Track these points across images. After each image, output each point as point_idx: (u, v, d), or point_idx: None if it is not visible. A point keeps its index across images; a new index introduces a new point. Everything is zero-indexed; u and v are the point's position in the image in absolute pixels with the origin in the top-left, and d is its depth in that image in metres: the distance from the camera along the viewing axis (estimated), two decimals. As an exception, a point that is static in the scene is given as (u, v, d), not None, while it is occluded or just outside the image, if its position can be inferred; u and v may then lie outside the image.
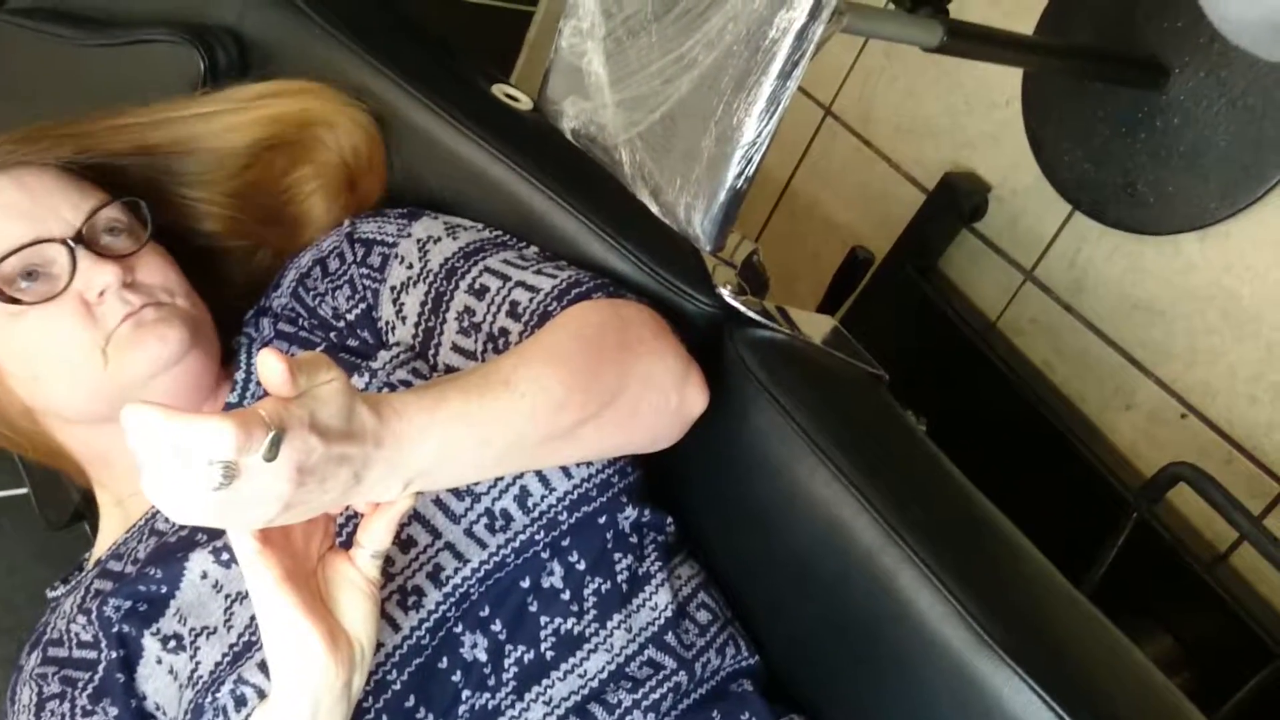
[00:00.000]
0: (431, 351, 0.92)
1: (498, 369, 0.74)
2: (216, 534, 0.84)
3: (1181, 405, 1.50)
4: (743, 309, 1.02)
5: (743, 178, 0.87)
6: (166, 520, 0.89)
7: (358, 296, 0.94)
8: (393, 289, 0.93)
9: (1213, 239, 1.46)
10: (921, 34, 1.09)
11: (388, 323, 0.93)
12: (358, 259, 0.95)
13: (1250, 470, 1.43)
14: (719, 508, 1.00)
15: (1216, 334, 1.47)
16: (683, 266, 1.03)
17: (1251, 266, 1.44)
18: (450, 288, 0.92)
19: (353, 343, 0.93)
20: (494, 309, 0.90)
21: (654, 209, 0.92)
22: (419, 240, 0.95)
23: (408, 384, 0.89)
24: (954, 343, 1.66)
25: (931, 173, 1.73)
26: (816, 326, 1.08)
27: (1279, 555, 1.18)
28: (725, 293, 1.03)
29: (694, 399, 0.88)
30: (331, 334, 0.94)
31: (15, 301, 0.83)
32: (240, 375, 0.94)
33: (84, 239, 0.85)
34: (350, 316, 0.94)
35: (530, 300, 0.89)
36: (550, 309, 0.88)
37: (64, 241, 0.85)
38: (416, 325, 0.92)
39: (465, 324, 0.90)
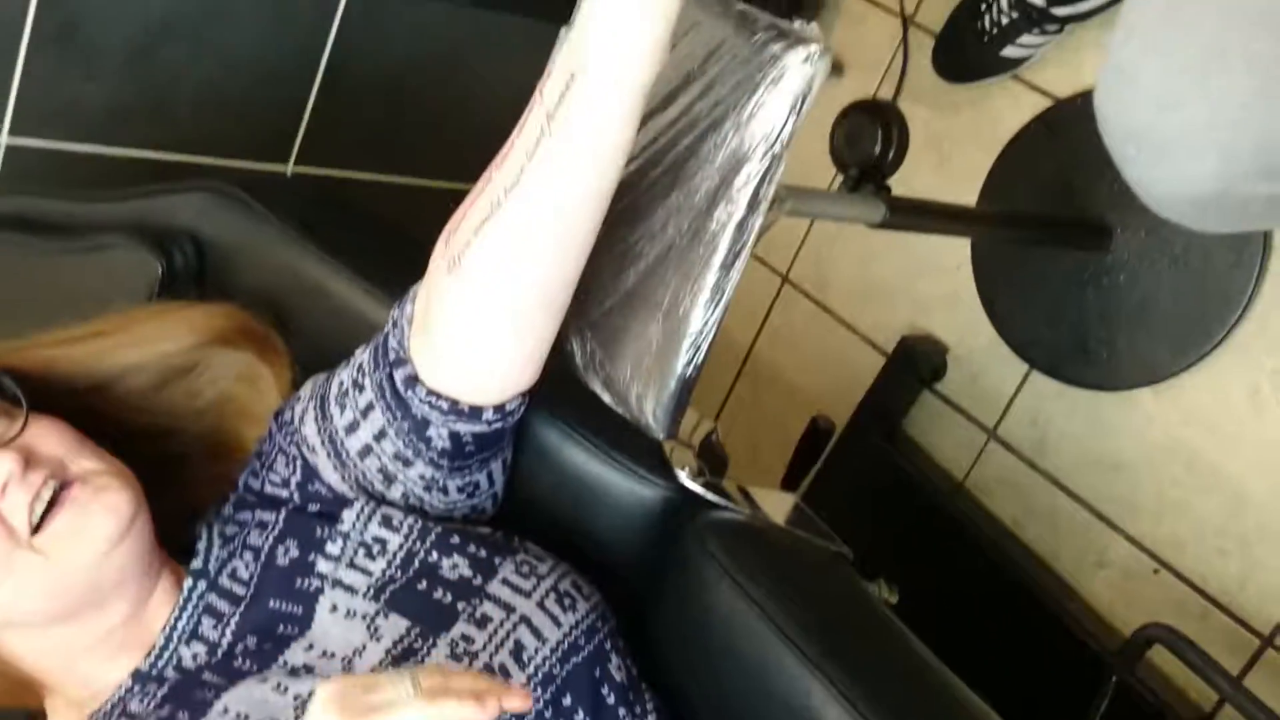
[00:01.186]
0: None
1: None
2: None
3: (1154, 560, 1.49)
4: (701, 491, 1.02)
5: (691, 366, 0.88)
6: (141, 700, 0.85)
7: (289, 455, 0.93)
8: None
9: (1168, 393, 1.48)
10: (864, 212, 1.12)
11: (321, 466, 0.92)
12: (277, 426, 0.94)
13: (1227, 625, 1.42)
14: (695, 691, 0.98)
15: (1180, 487, 1.47)
16: (639, 451, 1.03)
17: (1207, 419, 1.45)
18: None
19: (313, 507, 0.92)
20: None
21: (606, 398, 0.93)
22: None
23: (381, 541, 0.88)
24: (923, 506, 1.65)
25: (889, 336, 1.75)
26: (777, 504, 1.08)
27: (1260, 716, 1.16)
28: (683, 475, 1.03)
29: None
30: (288, 506, 0.92)
31: None
32: (202, 543, 0.90)
33: None
34: (295, 480, 0.92)
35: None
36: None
37: None
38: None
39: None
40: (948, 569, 1.63)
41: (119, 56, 1.56)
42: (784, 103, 0.82)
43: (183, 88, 1.63)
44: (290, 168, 1.80)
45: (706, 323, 0.87)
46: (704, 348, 0.88)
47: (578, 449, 1.02)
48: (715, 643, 0.95)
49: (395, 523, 0.89)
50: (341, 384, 0.92)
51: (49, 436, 0.83)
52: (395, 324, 0.90)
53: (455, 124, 1.91)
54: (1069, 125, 1.57)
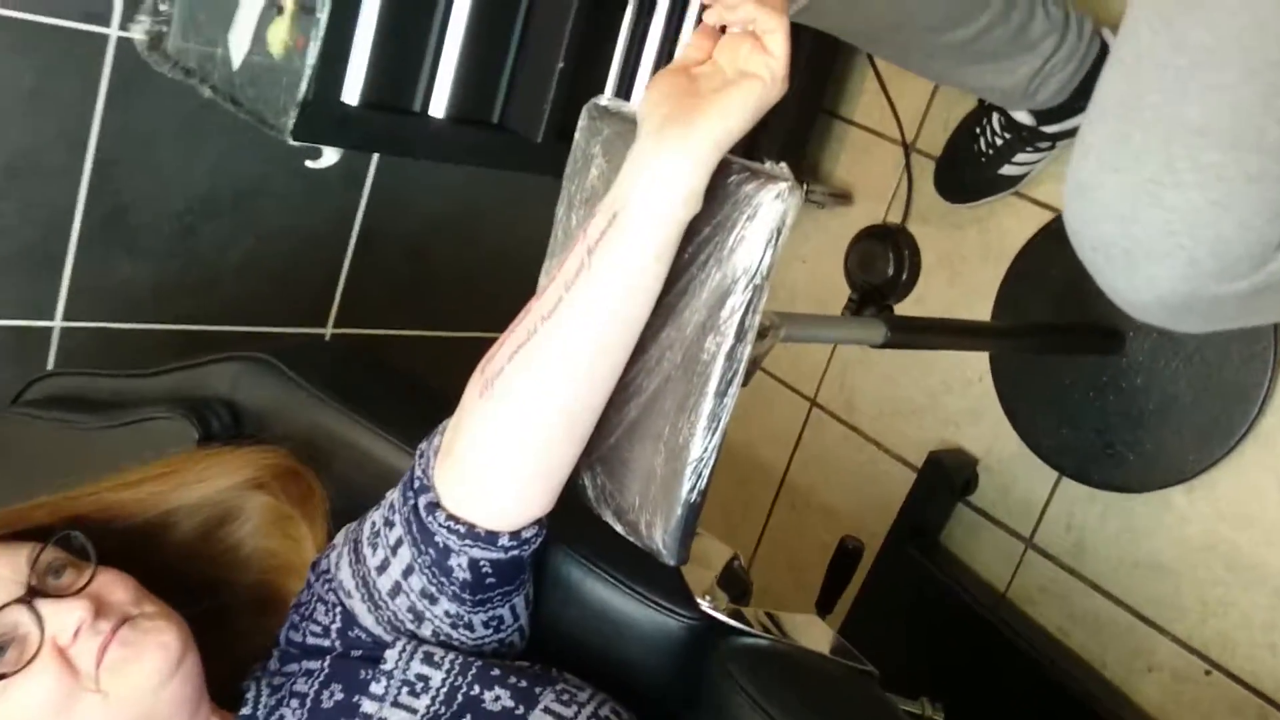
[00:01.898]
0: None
1: None
2: None
3: (1204, 662, 1.47)
4: (724, 619, 1.04)
5: (695, 491, 0.91)
6: None
7: (328, 603, 0.95)
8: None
9: (1200, 490, 1.48)
10: (865, 334, 1.16)
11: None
12: (315, 576, 0.97)
13: (1285, 723, 1.39)
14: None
15: (1222, 585, 1.46)
16: (660, 583, 1.06)
17: (1244, 513, 1.44)
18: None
19: (355, 652, 0.94)
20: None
21: (618, 529, 0.96)
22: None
23: (424, 678, 0.90)
24: (965, 619, 1.65)
25: (919, 452, 1.77)
26: (802, 628, 1.09)
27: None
28: (705, 604, 1.05)
29: None
30: (332, 653, 0.95)
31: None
32: (251, 692, 0.94)
33: (37, 590, 0.85)
34: (336, 627, 0.95)
35: None
36: None
37: (20, 600, 0.84)
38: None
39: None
40: (994, 682, 1.61)
41: (164, 235, 1.67)
42: (761, 237, 0.87)
43: (225, 262, 1.73)
44: (329, 330, 1.89)
45: (706, 449, 0.90)
46: (705, 474, 0.91)
47: (599, 583, 1.05)
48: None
49: (437, 659, 0.92)
50: (373, 524, 0.96)
51: (115, 585, 0.89)
52: (422, 455, 0.94)
53: (478, 278, 2.00)
54: (1073, 234, 1.60)
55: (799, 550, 1.90)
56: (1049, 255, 1.63)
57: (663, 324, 0.93)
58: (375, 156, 1.78)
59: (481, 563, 0.92)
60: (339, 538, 1.00)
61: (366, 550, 0.95)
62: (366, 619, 0.95)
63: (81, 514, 0.95)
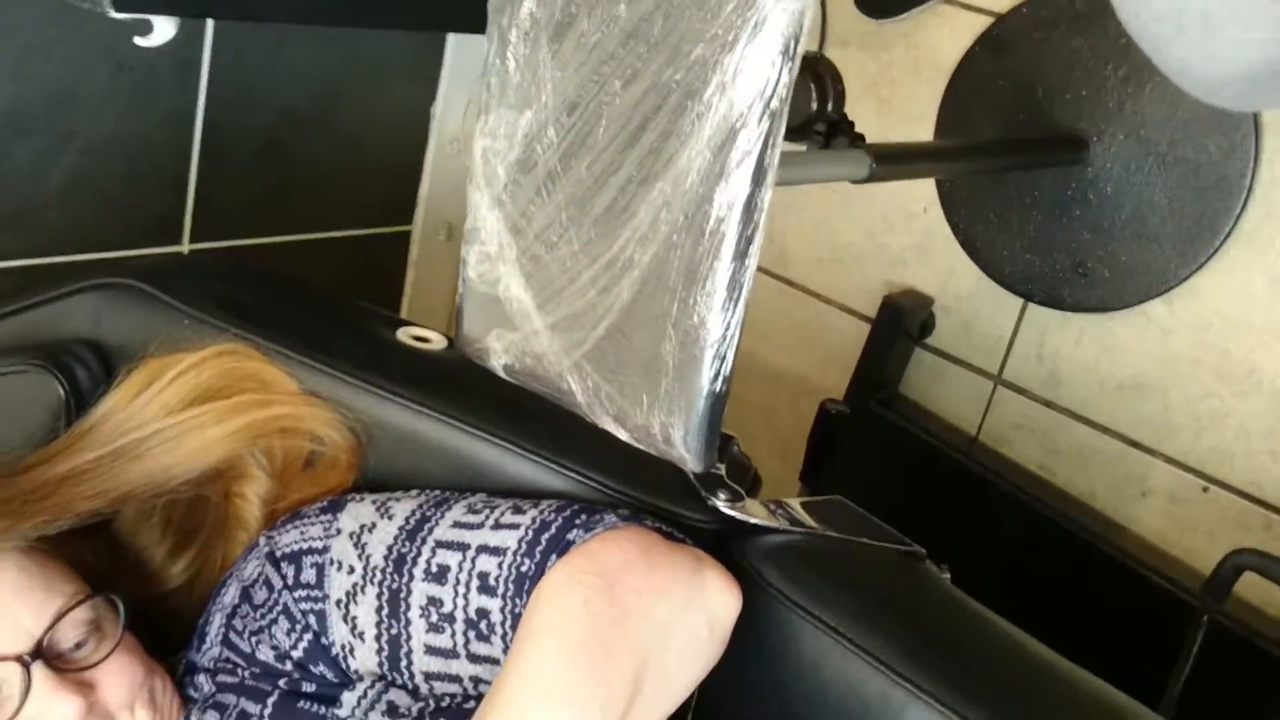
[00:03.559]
0: (404, 665, 0.76)
1: None
2: None
3: (1201, 479, 1.39)
4: (743, 517, 0.88)
5: (719, 379, 0.74)
6: None
7: (300, 626, 0.78)
8: (339, 603, 0.78)
9: (1182, 300, 1.38)
10: (850, 168, 1.00)
11: (344, 646, 0.77)
12: (287, 581, 0.79)
13: (1297, 531, 1.32)
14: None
15: (1215, 396, 1.37)
16: (664, 485, 0.89)
17: (1231, 318, 1.35)
18: (404, 581, 0.76)
19: (309, 687, 0.77)
20: (462, 589, 0.75)
21: (623, 436, 0.79)
22: (351, 534, 0.80)
23: None
24: (939, 469, 1.54)
25: (868, 299, 1.63)
26: (824, 513, 0.94)
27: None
28: (719, 503, 0.89)
29: (722, 607, 0.75)
30: (281, 681, 0.77)
31: None
32: None
33: (44, 653, 0.73)
34: (297, 654, 0.78)
35: (500, 567, 0.75)
36: (524, 569, 0.74)
37: (19, 659, 0.72)
38: (378, 639, 0.76)
39: (434, 618, 0.75)
40: (982, 531, 1.51)
41: (-33, 160, 1.39)
42: (771, 49, 0.69)
43: (47, 184, 1.45)
44: (186, 247, 1.64)
45: (728, 326, 0.73)
46: (729, 355, 0.74)
47: (595, 496, 0.88)
48: (796, 688, 0.82)
49: (402, 709, 0.77)
50: (431, 608, 0.77)
51: (121, 668, 0.77)
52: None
53: (343, 169, 1.76)
54: (1017, 40, 1.45)
55: (743, 421, 1.75)
56: (990, 67, 1.48)
57: (651, 177, 0.74)
58: (209, 39, 1.51)
59: None
60: (340, 548, 0.80)
61: (418, 624, 0.77)
62: (367, 661, 0.77)
63: (125, 493, 0.83)
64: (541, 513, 0.78)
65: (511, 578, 0.74)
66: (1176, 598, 1.29)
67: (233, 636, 0.81)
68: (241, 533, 0.88)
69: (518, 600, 0.73)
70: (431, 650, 0.76)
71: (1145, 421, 1.42)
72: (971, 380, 1.57)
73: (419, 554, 0.77)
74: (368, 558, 0.78)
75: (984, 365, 1.56)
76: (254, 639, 0.80)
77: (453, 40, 1.77)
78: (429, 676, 0.77)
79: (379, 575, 0.77)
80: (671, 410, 0.75)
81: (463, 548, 0.77)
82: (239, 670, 0.80)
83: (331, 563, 0.79)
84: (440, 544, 0.77)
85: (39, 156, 1.43)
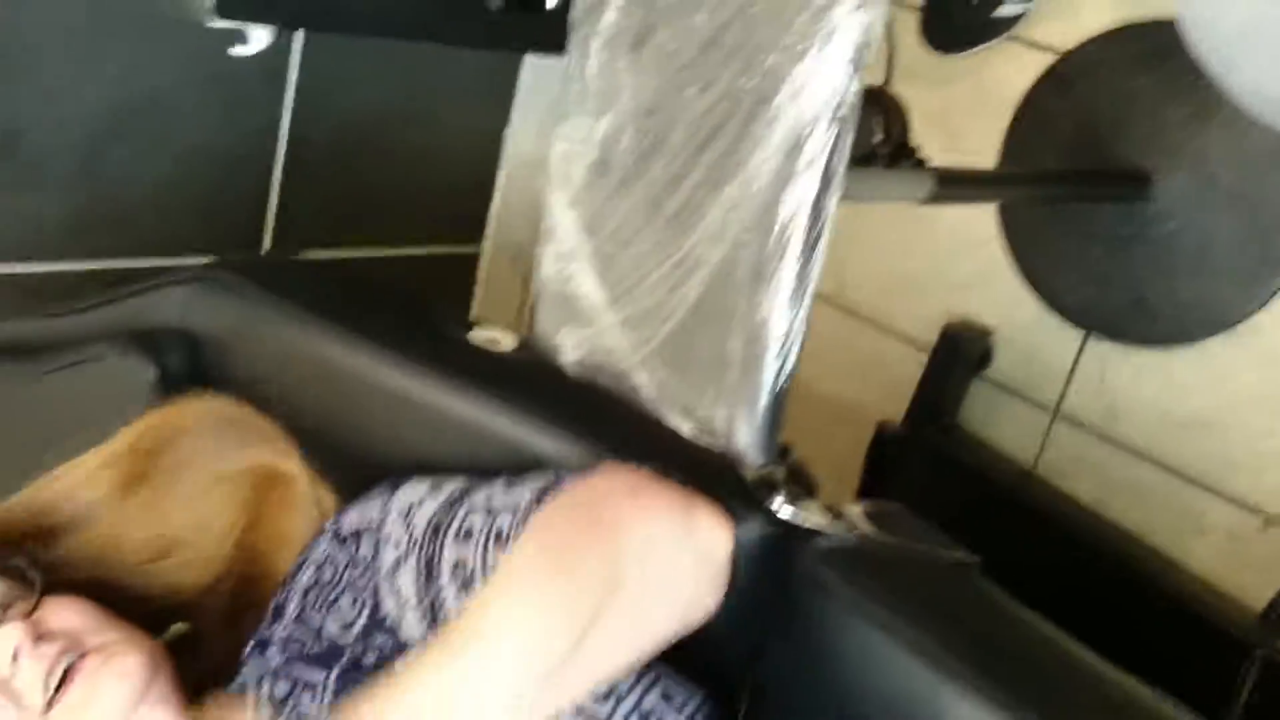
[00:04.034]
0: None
1: (460, 625, 0.68)
2: None
3: (1260, 517, 1.38)
4: (801, 520, 0.90)
5: (783, 375, 0.77)
6: None
7: (359, 602, 0.82)
8: (387, 575, 0.81)
9: (1243, 337, 1.38)
10: (913, 188, 1.02)
11: (396, 617, 0.81)
12: (351, 558, 0.83)
13: (1356, 571, 1.31)
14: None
15: (1276, 435, 1.37)
16: (724, 487, 0.91)
17: (1292, 357, 1.35)
18: (437, 547, 0.80)
19: (369, 658, 0.80)
20: (480, 547, 0.78)
21: (686, 430, 0.82)
22: (401, 511, 0.84)
23: None
24: (994, 501, 1.54)
25: (927, 328, 1.64)
26: (882, 519, 0.96)
27: None
28: (777, 506, 0.91)
29: (710, 537, 0.77)
30: (345, 652, 0.81)
31: None
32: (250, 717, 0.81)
33: None
34: (357, 627, 0.82)
35: (511, 520, 0.78)
36: (531, 517, 0.77)
37: None
38: (419, 606, 0.80)
39: (461, 579, 0.78)
40: (1034, 564, 1.50)
41: (67, 165, 1.45)
42: (841, 58, 0.72)
43: (140, 188, 1.52)
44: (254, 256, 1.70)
45: (792, 324, 0.76)
46: (793, 354, 0.77)
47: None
48: (851, 689, 0.83)
49: None
50: (461, 566, 0.80)
51: (65, 611, 0.79)
52: None
53: (426, 182, 1.81)
54: (1081, 76, 1.48)
55: (811, 450, 1.77)
56: (1054, 103, 1.50)
57: (722, 179, 0.77)
58: (297, 52, 1.57)
59: None
60: (393, 526, 0.83)
61: (450, 587, 0.79)
62: (413, 630, 0.80)
63: (20, 530, 0.86)
64: (559, 471, 0.81)
65: (520, 527, 0.77)
66: (1231, 635, 1.28)
67: (306, 613, 0.85)
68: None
69: None
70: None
71: (1204, 458, 1.42)
72: (1029, 413, 1.58)
73: (452, 521, 0.80)
74: (412, 530, 0.82)
75: (1042, 398, 1.56)
76: (323, 614, 0.84)
77: (528, 63, 1.83)
78: None
79: (418, 545, 0.81)
80: (736, 404, 0.78)
81: (489, 511, 0.80)
82: (308, 643, 0.84)
83: (385, 539, 0.83)
84: (471, 510, 0.80)
85: (133, 161, 1.50)
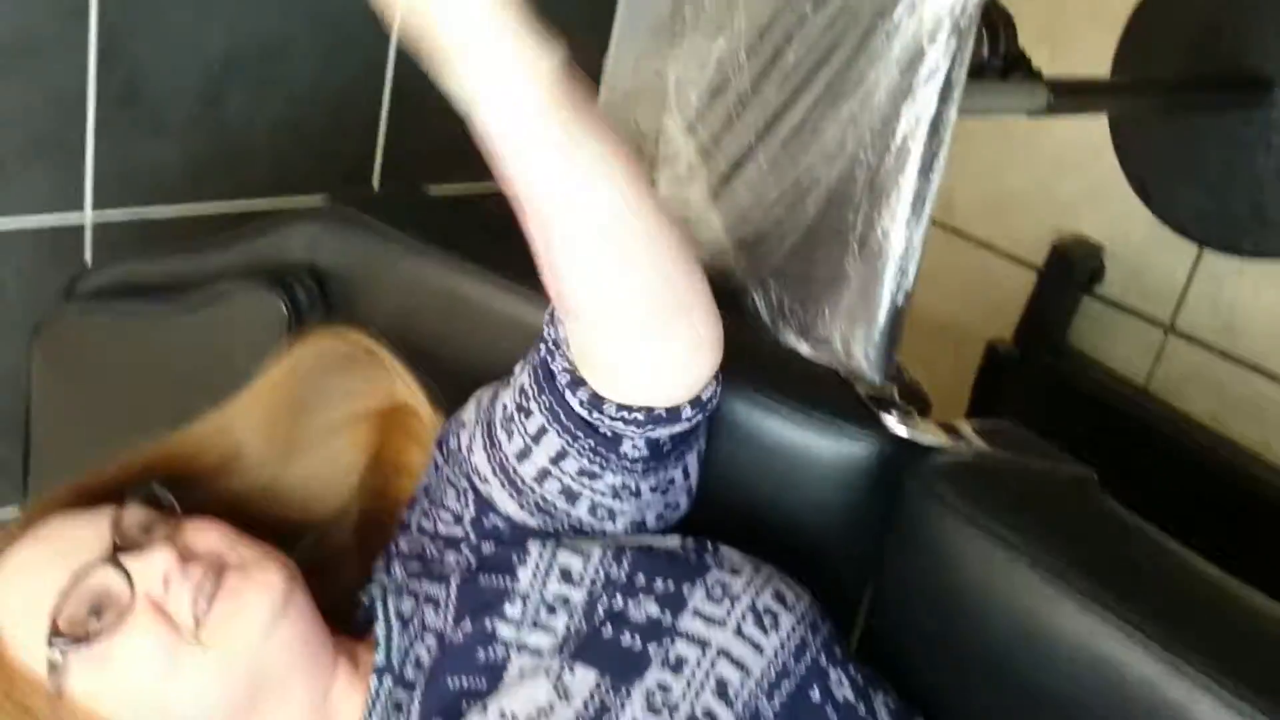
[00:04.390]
0: (518, 483, 0.83)
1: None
2: None
3: (1386, 430, 1.36)
4: (916, 436, 0.92)
5: (901, 292, 0.77)
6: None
7: (461, 488, 0.85)
8: (469, 457, 0.85)
9: (1370, 244, 1.34)
10: (1027, 100, 1.01)
11: (488, 495, 0.84)
12: (446, 457, 0.86)
13: None
14: (948, 668, 0.87)
15: (1405, 344, 1.33)
16: (837, 406, 0.93)
17: None
18: (493, 412, 0.84)
19: (488, 549, 0.83)
20: (531, 389, 0.81)
21: (804, 349, 0.83)
22: (477, 397, 0.88)
23: (563, 598, 0.80)
24: (1109, 420, 1.53)
25: (1036, 247, 1.62)
26: (996, 435, 0.97)
27: None
28: (892, 422, 0.92)
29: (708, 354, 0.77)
30: (463, 555, 0.84)
31: (95, 638, 0.75)
32: (381, 631, 0.84)
33: (122, 548, 0.79)
34: (469, 514, 0.85)
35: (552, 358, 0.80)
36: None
37: (106, 559, 0.77)
38: (493, 473, 0.83)
39: (513, 428, 0.82)
40: (1152, 484, 1.49)
41: (186, 110, 1.50)
42: (962, -31, 0.71)
43: (255, 131, 1.57)
44: (375, 192, 1.74)
45: (911, 241, 0.76)
46: (911, 270, 0.77)
47: (771, 416, 0.91)
48: (969, 602, 0.84)
49: (575, 576, 0.81)
50: (505, 409, 0.83)
51: (207, 533, 0.82)
52: (554, 345, 0.81)
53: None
54: (1198, -21, 1.43)
55: (919, 373, 1.77)
56: (1169, 7, 1.46)
57: (839, 96, 0.78)
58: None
59: (661, 440, 0.80)
60: (469, 411, 0.87)
61: (501, 435, 0.83)
62: (508, 505, 0.83)
63: (156, 464, 0.88)
64: None
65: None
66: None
67: (421, 521, 0.88)
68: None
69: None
70: (520, 455, 0.81)
71: (1328, 371, 1.39)
72: (1142, 330, 1.55)
73: (510, 382, 0.84)
74: (482, 411, 0.85)
75: (1156, 314, 1.54)
76: (435, 516, 0.87)
77: (627, -7, 1.83)
78: (538, 478, 0.82)
79: (482, 420, 0.84)
80: (854, 322, 0.79)
81: (704, 645, 0.79)
82: (427, 550, 0.87)
83: (461, 424, 0.86)
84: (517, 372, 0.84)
85: (249, 105, 1.54)
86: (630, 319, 0.75)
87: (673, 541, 0.84)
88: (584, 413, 0.78)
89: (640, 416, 0.77)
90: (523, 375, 0.83)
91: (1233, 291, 1.46)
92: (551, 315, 0.81)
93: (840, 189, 0.78)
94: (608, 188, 0.71)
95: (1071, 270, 1.56)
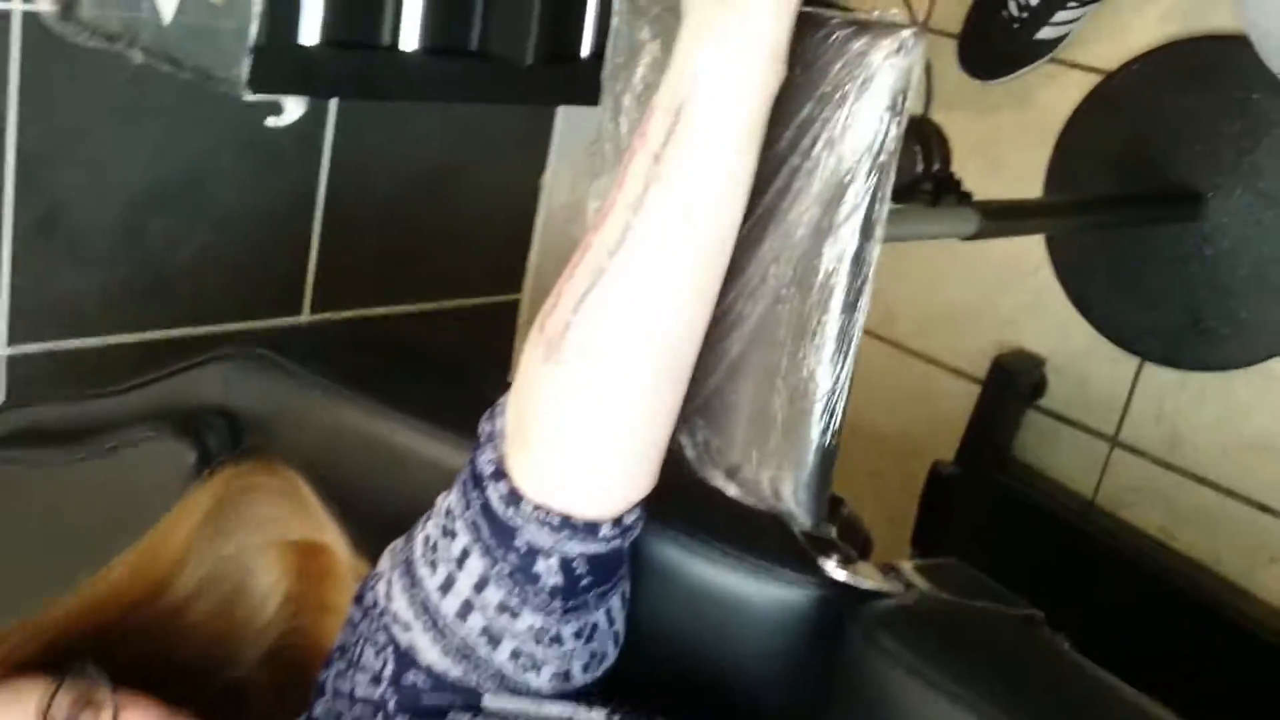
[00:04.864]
0: (439, 620, 0.78)
1: None
2: None
3: (1336, 543, 1.34)
4: (855, 581, 0.88)
5: (829, 433, 0.74)
6: None
7: (379, 643, 0.81)
8: (385, 606, 0.81)
9: (1308, 356, 1.34)
10: (958, 225, 1.00)
11: (410, 644, 0.79)
12: (364, 611, 0.83)
13: None
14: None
15: (1348, 456, 1.32)
16: (771, 551, 0.89)
17: (1361, 375, 1.31)
18: (411, 549, 0.80)
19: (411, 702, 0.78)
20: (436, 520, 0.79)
21: (732, 491, 0.79)
22: (392, 548, 0.83)
23: None
24: (1056, 533, 1.50)
25: (978, 360, 1.61)
26: (939, 576, 0.93)
27: None
28: (830, 566, 0.88)
29: None
30: (383, 709, 0.79)
31: None
32: None
33: None
34: (388, 672, 0.80)
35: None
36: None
37: None
38: (419, 619, 0.78)
39: (430, 557, 0.78)
40: (1101, 597, 1.47)
41: (108, 236, 1.47)
42: (879, 105, 0.70)
43: (180, 258, 1.53)
44: (305, 318, 1.70)
45: (838, 379, 0.73)
46: (839, 409, 0.74)
47: (702, 561, 0.88)
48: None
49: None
50: (428, 539, 0.79)
51: (136, 713, 0.78)
52: (487, 439, 0.77)
53: (464, 238, 1.81)
54: (1127, 96, 1.44)
55: (851, 486, 1.74)
56: (1100, 125, 1.47)
57: (761, 234, 0.75)
58: (332, 115, 1.58)
59: (575, 561, 0.75)
60: (383, 562, 0.83)
61: (423, 570, 0.78)
62: (429, 652, 0.78)
63: (72, 626, 0.84)
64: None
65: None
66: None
67: (338, 684, 0.83)
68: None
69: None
70: (443, 587, 0.77)
71: (1273, 483, 1.38)
72: (1087, 442, 1.54)
73: (429, 515, 0.80)
74: (398, 554, 0.81)
75: (1100, 426, 1.52)
76: (352, 679, 0.82)
77: (562, 112, 1.83)
78: (460, 613, 0.77)
79: (399, 561, 0.80)
80: (781, 465, 0.76)
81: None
82: (344, 714, 0.82)
83: (377, 576, 0.81)
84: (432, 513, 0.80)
85: (173, 231, 1.51)
86: (627, 386, 0.72)
87: (600, 712, 0.79)
88: (501, 510, 0.74)
89: (555, 522, 0.73)
90: (449, 497, 0.79)
91: (1175, 403, 1.45)
92: (492, 411, 0.78)
93: (763, 327, 0.75)
94: (728, 216, 0.71)
95: (1014, 383, 1.54)
